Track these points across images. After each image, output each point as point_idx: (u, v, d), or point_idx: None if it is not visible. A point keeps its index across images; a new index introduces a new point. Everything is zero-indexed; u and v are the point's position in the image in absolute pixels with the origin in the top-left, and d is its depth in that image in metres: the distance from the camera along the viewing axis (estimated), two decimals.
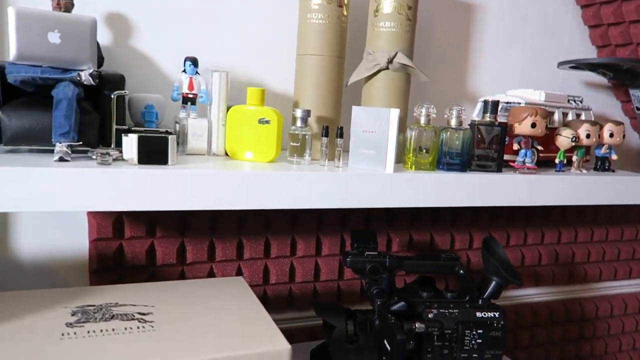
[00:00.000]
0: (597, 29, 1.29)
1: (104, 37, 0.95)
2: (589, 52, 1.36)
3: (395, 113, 0.84)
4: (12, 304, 0.74)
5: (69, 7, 0.83)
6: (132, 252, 0.99)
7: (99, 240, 0.97)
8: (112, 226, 0.97)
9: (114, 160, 0.74)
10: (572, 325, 1.50)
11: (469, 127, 0.93)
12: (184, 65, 0.89)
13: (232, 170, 0.76)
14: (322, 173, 0.80)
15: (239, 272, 1.07)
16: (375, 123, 0.86)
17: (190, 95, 0.89)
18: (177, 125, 0.90)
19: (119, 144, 0.80)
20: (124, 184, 0.69)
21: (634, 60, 1.14)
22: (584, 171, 1.08)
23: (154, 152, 0.74)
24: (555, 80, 1.34)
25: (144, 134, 0.74)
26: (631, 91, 1.25)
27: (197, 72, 0.90)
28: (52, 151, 0.77)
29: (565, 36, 1.33)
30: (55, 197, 0.67)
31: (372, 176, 0.83)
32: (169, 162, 0.76)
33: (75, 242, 0.99)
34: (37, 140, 0.75)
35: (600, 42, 1.31)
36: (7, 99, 0.76)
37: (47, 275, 0.98)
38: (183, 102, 0.90)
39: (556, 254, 1.43)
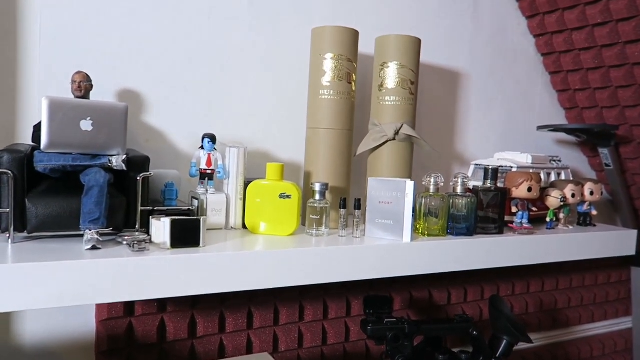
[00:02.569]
0: (565, 93, 1.42)
1: None
2: (558, 114, 1.48)
3: (410, 185, 0.89)
4: None
5: (88, 89, 0.83)
6: (143, 329, 0.96)
7: (109, 320, 0.93)
8: (123, 304, 0.94)
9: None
10: None
11: (473, 194, 0.99)
12: (202, 142, 0.91)
13: (271, 249, 0.78)
14: (358, 247, 0.84)
15: (249, 342, 1.06)
16: (391, 194, 0.90)
17: (209, 171, 0.90)
18: (195, 201, 0.90)
19: (142, 224, 0.80)
20: (164, 270, 0.69)
21: (604, 125, 1.26)
22: (571, 227, 1.17)
23: (186, 234, 0.75)
24: (531, 139, 1.45)
25: (176, 218, 0.74)
26: (600, 149, 1.37)
27: (214, 149, 0.91)
28: (75, 236, 0.76)
29: (536, 99, 1.45)
30: (94, 289, 0.65)
31: (394, 246, 0.87)
32: (201, 244, 0.76)
33: (80, 323, 0.96)
34: (62, 227, 0.73)
35: (568, 104, 1.44)
36: (30, 185, 0.74)
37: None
38: (201, 178, 0.91)
39: (541, 301, 1.50)
